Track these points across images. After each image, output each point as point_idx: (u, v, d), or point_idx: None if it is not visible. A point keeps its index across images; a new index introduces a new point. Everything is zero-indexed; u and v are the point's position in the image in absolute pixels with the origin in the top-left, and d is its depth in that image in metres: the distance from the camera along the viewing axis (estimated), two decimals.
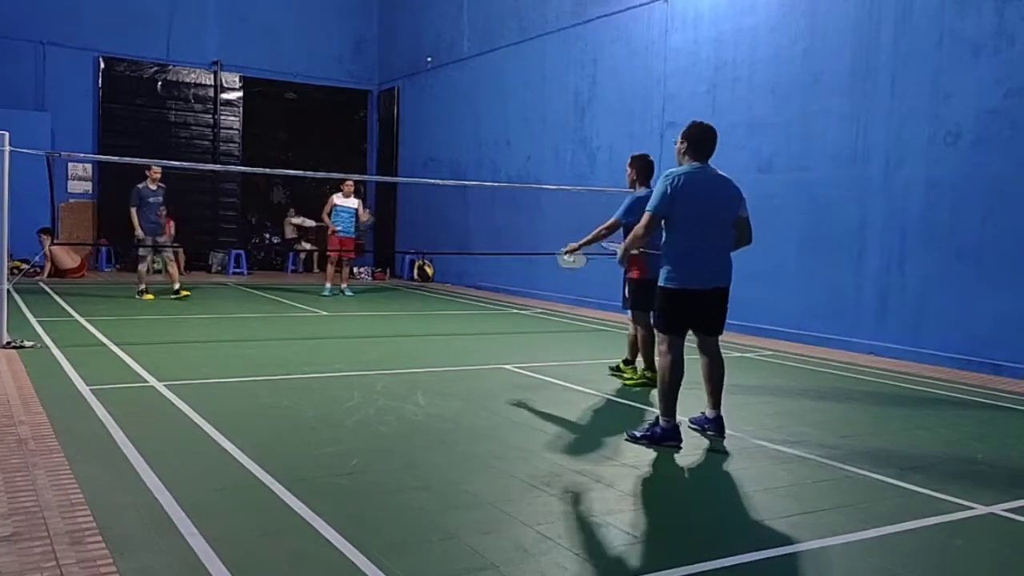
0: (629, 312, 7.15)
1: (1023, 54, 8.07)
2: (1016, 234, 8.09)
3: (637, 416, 5.88)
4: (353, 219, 13.75)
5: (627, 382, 7.06)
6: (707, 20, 11.40)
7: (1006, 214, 8.18)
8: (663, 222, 5.08)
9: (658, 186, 5.08)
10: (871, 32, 9.38)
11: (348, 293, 13.92)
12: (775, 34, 10.46)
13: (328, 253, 14.27)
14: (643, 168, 7.12)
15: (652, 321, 5.25)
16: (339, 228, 13.59)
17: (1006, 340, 8.13)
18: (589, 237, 7.10)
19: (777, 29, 10.44)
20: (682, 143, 5.24)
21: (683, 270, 5.05)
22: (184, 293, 12.30)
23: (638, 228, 5.14)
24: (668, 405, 5.05)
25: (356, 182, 15.08)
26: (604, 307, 12.56)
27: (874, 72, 9.33)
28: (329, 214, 13.68)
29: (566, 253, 7.32)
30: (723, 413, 5.20)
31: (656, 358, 5.12)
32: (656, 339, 5.20)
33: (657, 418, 5.11)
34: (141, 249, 12.29)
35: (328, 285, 13.98)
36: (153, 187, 12.11)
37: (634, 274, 6.82)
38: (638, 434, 5.10)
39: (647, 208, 5.11)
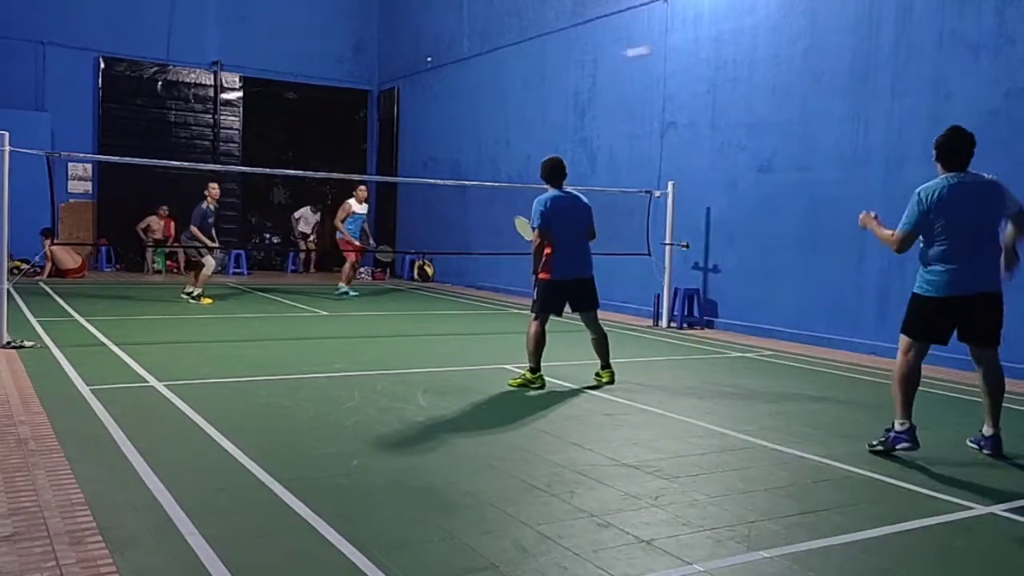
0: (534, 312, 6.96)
1: (1023, 54, 8.07)
2: None
3: (637, 416, 5.88)
4: (362, 225, 14.20)
5: (511, 383, 6.78)
6: (707, 20, 11.40)
7: None
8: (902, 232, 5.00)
9: (912, 202, 4.97)
10: (871, 32, 9.37)
11: (353, 293, 14.08)
12: (775, 34, 10.46)
13: (346, 255, 14.38)
14: (550, 171, 7.20)
15: (901, 328, 5.08)
16: (356, 235, 14.03)
17: (1006, 340, 8.06)
18: (534, 261, 6.86)
19: (777, 29, 10.44)
20: (935, 151, 5.07)
21: (942, 278, 4.93)
22: (200, 301, 11.98)
23: (897, 243, 5.00)
24: (903, 408, 4.97)
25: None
26: (603, 307, 12.52)
27: (874, 72, 9.33)
28: (344, 220, 13.86)
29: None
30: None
31: (898, 359, 5.03)
32: (900, 343, 5.09)
33: (893, 423, 5.03)
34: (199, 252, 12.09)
35: (343, 285, 14.12)
36: (215, 206, 12.26)
37: (543, 275, 6.82)
38: (874, 443, 5.06)
39: (903, 224, 4.99)
